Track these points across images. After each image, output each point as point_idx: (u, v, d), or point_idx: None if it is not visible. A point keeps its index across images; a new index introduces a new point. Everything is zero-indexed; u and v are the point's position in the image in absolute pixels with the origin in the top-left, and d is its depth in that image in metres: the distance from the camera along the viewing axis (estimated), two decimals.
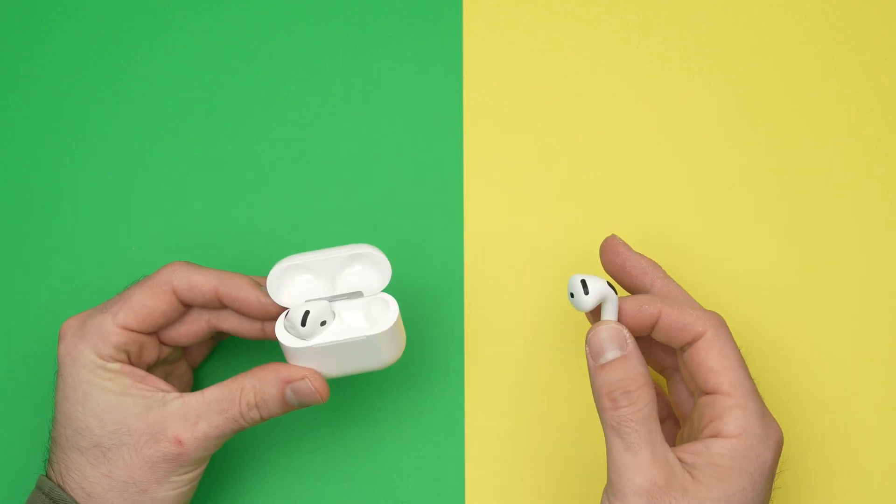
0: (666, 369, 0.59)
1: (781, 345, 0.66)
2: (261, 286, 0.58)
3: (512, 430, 0.65)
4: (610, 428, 0.53)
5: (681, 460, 0.52)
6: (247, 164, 0.68)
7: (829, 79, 0.69)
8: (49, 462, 0.58)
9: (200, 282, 0.58)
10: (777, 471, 0.54)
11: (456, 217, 0.67)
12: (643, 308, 0.55)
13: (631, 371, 0.53)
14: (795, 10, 0.70)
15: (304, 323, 0.55)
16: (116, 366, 0.57)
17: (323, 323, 0.56)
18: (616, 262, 0.58)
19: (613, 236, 0.58)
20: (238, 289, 0.58)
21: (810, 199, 0.67)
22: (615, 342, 0.53)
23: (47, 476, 0.58)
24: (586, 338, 0.54)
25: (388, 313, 0.56)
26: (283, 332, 0.56)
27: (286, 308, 0.57)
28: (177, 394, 0.56)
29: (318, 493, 0.64)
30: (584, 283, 0.54)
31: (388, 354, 0.57)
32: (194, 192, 0.68)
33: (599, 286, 0.54)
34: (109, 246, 0.68)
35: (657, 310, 0.55)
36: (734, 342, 0.55)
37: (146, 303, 0.58)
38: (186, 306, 0.60)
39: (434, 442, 0.65)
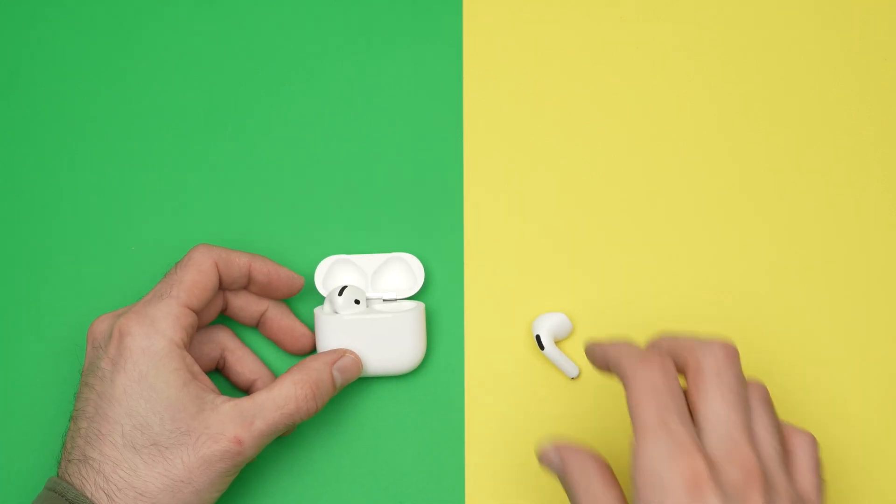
0: None
1: (781, 346, 0.66)
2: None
3: (512, 431, 0.65)
4: None
5: None
6: (246, 164, 0.68)
7: (829, 78, 0.69)
8: (76, 462, 0.57)
9: (235, 256, 0.62)
10: None
11: (456, 217, 0.67)
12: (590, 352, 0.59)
13: None
14: (796, 11, 0.70)
15: (340, 293, 0.62)
16: (185, 353, 0.58)
17: (357, 302, 0.63)
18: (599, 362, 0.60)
19: (587, 345, 0.59)
20: (270, 264, 0.63)
21: (810, 197, 0.67)
22: None
23: (68, 482, 0.57)
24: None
25: (414, 307, 0.64)
26: (320, 310, 0.63)
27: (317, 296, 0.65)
28: (224, 397, 0.58)
29: (318, 493, 0.64)
30: (538, 338, 0.64)
31: (409, 351, 0.63)
32: (194, 192, 0.68)
33: (548, 343, 0.64)
34: (109, 246, 0.68)
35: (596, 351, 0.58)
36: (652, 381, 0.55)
37: (198, 279, 0.60)
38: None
39: (434, 442, 0.65)
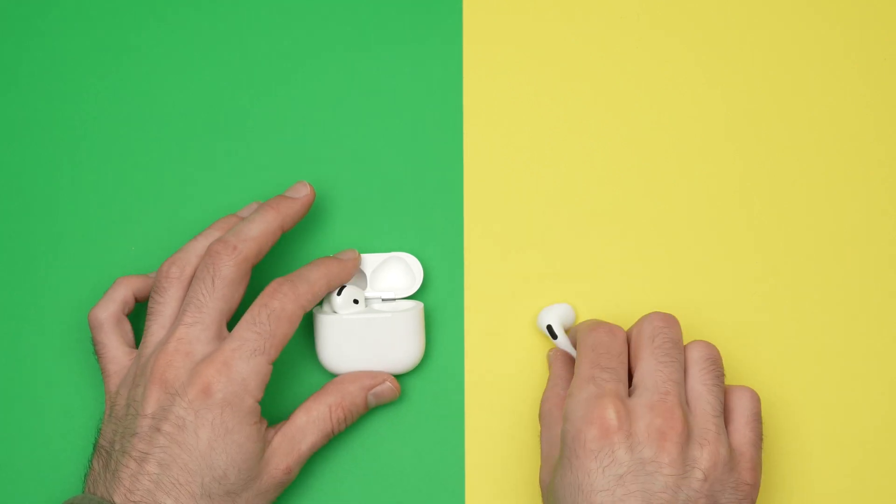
0: None
1: (782, 342, 0.66)
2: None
3: (512, 430, 0.65)
4: None
5: None
6: (246, 164, 0.68)
7: (830, 77, 0.69)
8: None
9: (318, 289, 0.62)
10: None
11: (456, 217, 0.67)
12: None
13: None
14: (796, 11, 0.70)
15: (339, 293, 0.63)
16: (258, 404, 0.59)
17: (356, 301, 0.63)
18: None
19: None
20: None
21: (811, 197, 0.67)
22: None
23: None
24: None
25: (413, 306, 0.64)
26: (319, 310, 0.64)
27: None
28: (272, 429, 0.60)
29: (318, 493, 0.64)
30: (549, 328, 0.63)
31: (408, 350, 0.63)
32: (194, 191, 0.68)
33: (559, 331, 0.64)
34: (109, 246, 0.68)
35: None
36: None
37: (289, 333, 0.60)
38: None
39: (434, 442, 0.65)
